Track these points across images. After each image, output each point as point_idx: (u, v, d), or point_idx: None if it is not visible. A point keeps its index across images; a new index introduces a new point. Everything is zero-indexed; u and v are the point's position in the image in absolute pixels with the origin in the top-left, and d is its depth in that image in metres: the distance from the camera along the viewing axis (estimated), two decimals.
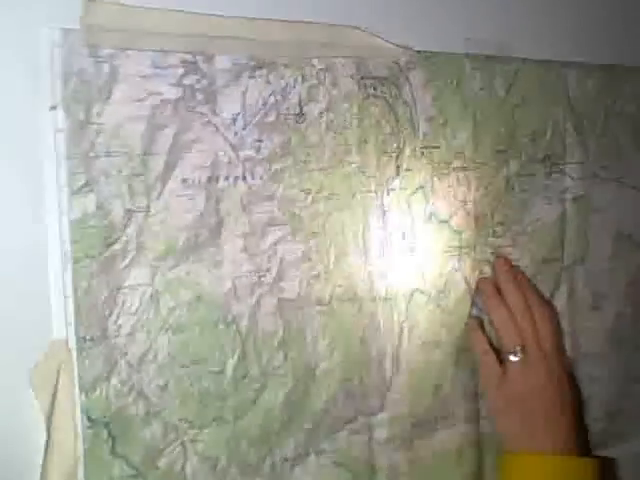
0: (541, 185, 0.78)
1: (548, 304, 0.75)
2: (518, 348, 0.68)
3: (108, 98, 0.54)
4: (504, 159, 0.75)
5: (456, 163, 0.71)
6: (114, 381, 0.55)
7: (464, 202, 0.72)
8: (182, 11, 0.56)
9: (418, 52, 0.68)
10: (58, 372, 0.53)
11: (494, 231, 0.74)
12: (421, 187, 0.70)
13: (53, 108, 0.52)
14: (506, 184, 0.75)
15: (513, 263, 0.74)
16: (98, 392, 0.54)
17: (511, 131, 0.75)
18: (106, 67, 0.53)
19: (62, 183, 0.53)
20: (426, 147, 0.69)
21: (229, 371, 0.60)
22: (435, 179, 0.70)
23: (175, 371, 0.58)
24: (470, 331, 0.72)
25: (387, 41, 0.66)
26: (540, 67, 0.77)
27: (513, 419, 0.69)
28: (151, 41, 0.55)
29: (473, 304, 0.73)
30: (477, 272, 0.73)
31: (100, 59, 0.53)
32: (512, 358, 0.68)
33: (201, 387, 0.59)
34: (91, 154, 0.53)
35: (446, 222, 0.71)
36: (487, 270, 0.74)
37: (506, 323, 0.70)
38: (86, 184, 0.53)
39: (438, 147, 0.70)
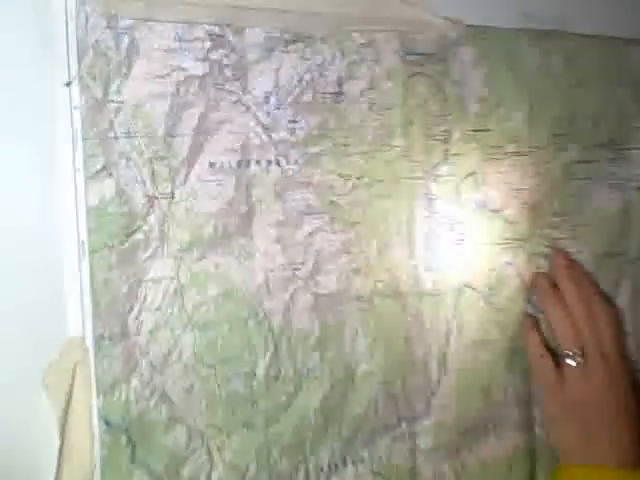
0: (603, 172, 0.71)
1: (610, 302, 0.68)
2: (577, 352, 0.62)
3: (128, 74, 0.49)
4: (562, 143, 0.68)
5: (510, 147, 0.66)
6: (134, 383, 0.51)
7: (518, 190, 0.66)
8: None
9: (469, 26, 0.62)
10: (74, 372, 0.49)
11: (551, 222, 0.68)
12: (471, 173, 0.64)
13: (68, 84, 0.47)
14: (564, 171, 0.69)
15: (572, 257, 0.68)
16: (117, 394, 0.50)
17: (570, 113, 0.69)
18: (126, 40, 0.49)
19: (78, 166, 0.48)
20: (477, 130, 0.64)
21: (260, 372, 0.55)
22: (486, 165, 0.64)
23: (201, 372, 0.53)
24: (524, 331, 0.66)
25: (435, 14, 0.60)
26: (602, 44, 0.70)
27: (570, 428, 0.63)
28: (175, 11, 0.50)
29: (527, 301, 0.67)
30: (532, 266, 0.67)
31: (119, 31, 0.49)
32: (570, 362, 0.62)
33: (229, 390, 0.54)
34: (110, 135, 0.49)
35: (498, 212, 0.66)
36: (543, 264, 0.68)
37: (564, 323, 0.64)
38: (104, 168, 0.49)
39: (490, 130, 0.64)
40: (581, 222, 0.70)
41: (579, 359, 0.62)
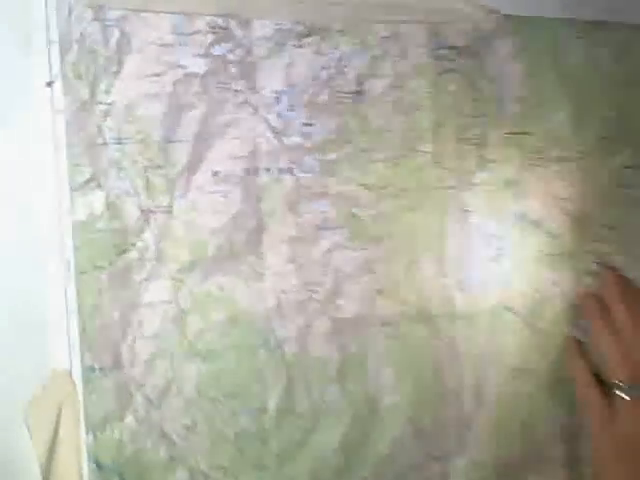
0: None
1: None
2: (629, 382, 0.55)
3: (118, 72, 0.44)
4: (611, 147, 0.61)
5: (552, 152, 0.59)
6: (129, 419, 0.46)
7: (562, 200, 0.59)
8: None
9: (506, 16, 0.56)
10: (59, 409, 0.45)
11: (599, 235, 0.61)
12: (510, 182, 0.57)
13: (49, 84, 0.42)
14: (614, 178, 0.61)
15: (623, 275, 0.61)
16: (109, 432, 0.45)
17: (620, 113, 0.61)
18: (115, 33, 0.44)
19: (62, 177, 0.43)
20: (516, 133, 0.57)
21: (271, 407, 0.50)
22: (526, 172, 0.58)
23: (204, 407, 0.48)
24: (569, 357, 0.59)
25: (468, 3, 0.54)
26: None
27: (621, 469, 0.56)
28: (172, 1, 0.44)
29: (573, 324, 0.59)
30: (578, 285, 0.60)
31: (108, 23, 0.43)
32: (621, 394, 0.55)
33: (237, 427, 0.49)
34: (98, 141, 0.44)
35: (540, 224, 0.59)
36: (591, 283, 0.61)
37: (614, 350, 0.56)
38: (92, 178, 0.43)
39: (530, 133, 0.57)
40: (633, 235, 0.63)
41: (633, 392, 0.55)
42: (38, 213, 0.43)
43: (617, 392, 0.55)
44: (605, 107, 0.60)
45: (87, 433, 0.44)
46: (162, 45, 0.44)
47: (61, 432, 0.44)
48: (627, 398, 0.54)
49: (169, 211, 0.46)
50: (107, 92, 0.43)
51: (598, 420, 0.57)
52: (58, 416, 0.44)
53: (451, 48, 0.54)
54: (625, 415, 0.55)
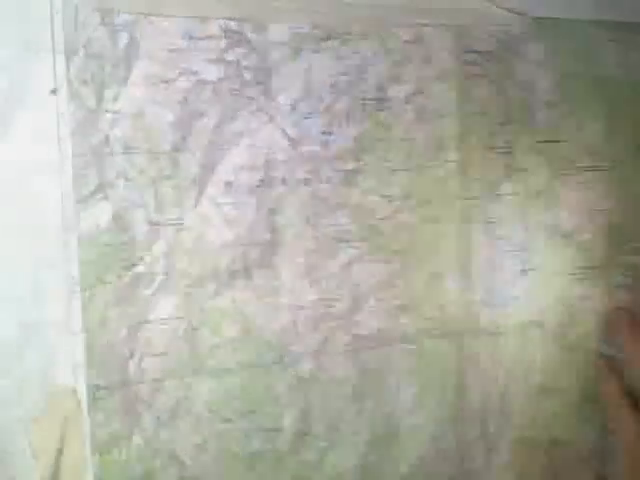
0: None
1: None
2: None
3: (126, 78, 0.42)
4: None
5: (585, 161, 0.56)
6: (137, 440, 0.44)
7: (595, 211, 0.56)
8: None
9: (536, 19, 0.53)
10: (64, 428, 0.42)
11: (635, 248, 0.58)
12: (539, 192, 0.54)
13: (54, 92, 0.40)
14: None
15: None
16: (116, 453, 0.43)
17: None
18: (123, 38, 0.42)
19: (66, 188, 0.41)
20: (546, 141, 0.54)
21: (286, 427, 0.47)
22: (557, 182, 0.55)
23: (216, 427, 0.46)
24: (600, 375, 0.56)
25: (496, 5, 0.51)
26: None
27: None
28: (182, 4, 0.42)
29: (605, 341, 0.57)
30: (611, 300, 0.57)
31: (115, 27, 0.41)
32: None
33: (250, 447, 0.47)
34: (105, 150, 0.42)
35: (572, 236, 0.56)
36: (624, 298, 0.58)
37: None
38: (98, 190, 0.42)
39: (561, 141, 0.55)
40: None
41: None
42: (42, 226, 0.41)
43: None
44: None
45: (93, 454, 0.43)
46: (173, 50, 0.42)
47: (65, 452, 0.43)
48: None
49: (179, 224, 0.44)
50: (115, 99, 0.41)
51: (630, 443, 0.54)
52: (62, 435, 0.42)
53: (477, 52, 0.51)
54: None
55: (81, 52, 0.40)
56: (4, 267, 0.41)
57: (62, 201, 0.41)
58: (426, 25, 0.49)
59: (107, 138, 0.41)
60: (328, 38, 0.47)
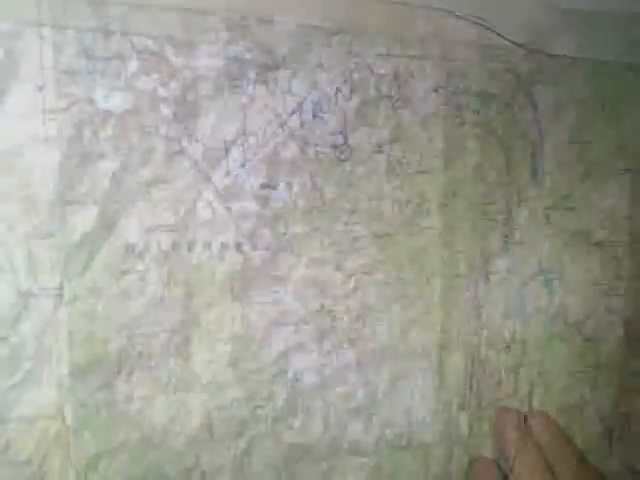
0: None
1: None
2: None
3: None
4: None
5: (601, 235, 0.46)
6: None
7: (609, 296, 0.47)
8: None
9: (551, 56, 0.42)
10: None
11: None
12: (542, 271, 0.44)
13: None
14: None
15: None
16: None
17: None
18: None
19: None
20: (554, 208, 0.43)
21: None
22: (566, 259, 0.45)
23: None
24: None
25: (501, 36, 0.41)
26: None
27: None
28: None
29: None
30: (623, 406, 0.46)
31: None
32: None
33: None
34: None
35: (578, 327, 0.46)
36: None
37: None
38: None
39: (574, 209, 0.44)
40: None
41: None
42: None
43: None
44: None
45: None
46: (67, 72, 0.32)
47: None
48: None
49: (59, 295, 0.33)
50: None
51: None
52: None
53: (475, 95, 0.41)
54: None
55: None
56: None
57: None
58: (409, 56, 0.39)
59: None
60: (268, 69, 0.36)
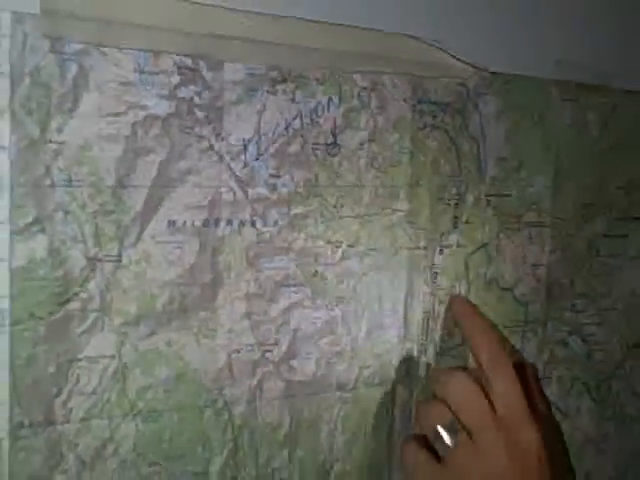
0: (635, 249, 0.62)
1: None
2: None
3: (73, 110, 0.40)
4: (590, 215, 0.59)
5: (529, 217, 0.56)
6: None
7: (535, 266, 0.57)
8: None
9: (493, 74, 0.53)
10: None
11: (573, 305, 0.58)
12: (484, 245, 0.55)
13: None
14: (590, 246, 0.59)
15: (599, 347, 0.58)
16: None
17: (601, 180, 0.59)
18: (73, 67, 0.40)
19: (2, 219, 0.39)
20: (494, 195, 0.54)
21: (214, 472, 0.47)
22: (502, 235, 0.55)
23: (142, 470, 0.44)
24: None
25: (454, 57, 0.51)
26: None
27: None
28: (137, 37, 0.41)
29: None
30: (546, 354, 0.58)
31: (65, 56, 0.40)
32: None
33: None
34: (45, 182, 0.40)
35: (510, 290, 0.56)
36: (560, 353, 0.58)
37: None
38: (35, 222, 0.40)
39: (509, 195, 0.55)
40: (608, 306, 0.60)
41: None
42: None
43: None
44: (587, 173, 0.58)
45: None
46: (123, 83, 0.41)
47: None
48: None
49: (118, 260, 0.42)
50: (59, 130, 0.40)
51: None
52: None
53: (434, 103, 0.51)
54: None
55: (27, 80, 0.39)
56: None
57: None
58: (384, 73, 0.49)
59: (48, 170, 0.40)
60: (284, 80, 0.46)
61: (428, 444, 0.46)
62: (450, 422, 0.45)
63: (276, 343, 0.48)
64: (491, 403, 0.44)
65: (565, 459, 0.46)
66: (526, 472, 0.43)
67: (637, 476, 0.64)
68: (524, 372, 0.46)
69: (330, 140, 0.48)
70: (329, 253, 0.49)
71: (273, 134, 0.46)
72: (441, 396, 0.46)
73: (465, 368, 0.48)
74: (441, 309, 0.53)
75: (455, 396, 0.45)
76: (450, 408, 0.45)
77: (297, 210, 0.47)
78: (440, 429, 0.45)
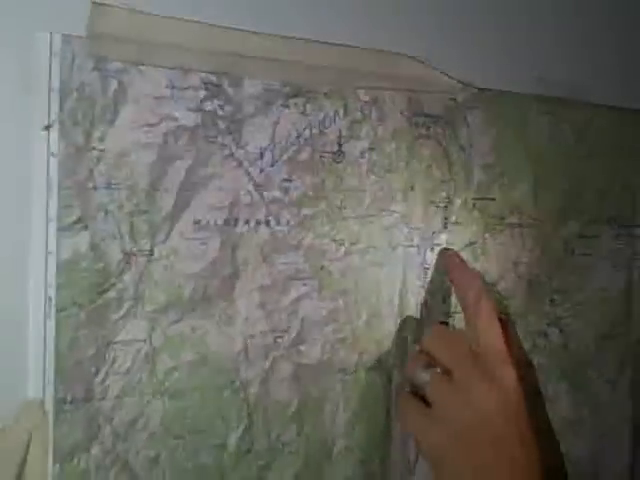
0: (606, 249, 0.68)
1: None
2: None
3: (113, 120, 0.46)
4: (565, 217, 0.65)
5: (511, 219, 0.62)
6: (95, 450, 0.47)
7: (517, 263, 0.63)
8: (209, 24, 0.47)
9: (480, 90, 0.59)
10: (29, 438, 0.45)
11: (551, 299, 0.65)
12: (471, 244, 0.60)
13: (47, 128, 0.44)
14: (566, 246, 0.65)
15: (575, 337, 0.64)
16: (75, 462, 0.47)
17: (576, 186, 0.65)
18: (113, 84, 0.45)
19: (51, 217, 0.44)
20: (480, 199, 0.60)
21: (231, 444, 0.52)
22: (487, 235, 0.61)
23: (168, 442, 0.49)
24: None
25: (446, 74, 0.57)
26: (613, 115, 0.67)
27: None
28: (169, 56, 0.47)
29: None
30: (528, 344, 0.64)
31: (107, 74, 0.45)
32: None
33: (197, 462, 0.50)
34: (88, 185, 0.45)
35: (493, 285, 0.62)
36: (540, 342, 0.64)
37: None
38: (79, 220, 0.45)
39: (493, 199, 0.61)
40: (582, 300, 0.67)
41: None
42: (27, 250, 0.44)
43: None
44: (563, 180, 0.64)
45: (54, 463, 0.46)
46: (157, 97, 0.46)
47: (30, 461, 0.45)
48: None
49: (150, 254, 0.47)
50: (101, 139, 0.45)
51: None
52: (27, 445, 0.45)
53: (427, 116, 0.57)
54: None
55: (74, 94, 0.44)
56: None
57: (46, 228, 0.44)
58: (383, 89, 0.55)
59: (91, 173, 0.45)
60: (296, 95, 0.51)
61: (420, 395, 0.52)
62: (426, 363, 0.51)
63: (286, 330, 0.53)
64: (470, 347, 0.50)
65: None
66: (507, 406, 0.48)
67: (610, 456, 0.70)
68: (504, 323, 0.52)
69: (336, 148, 0.53)
70: (334, 250, 0.54)
71: (286, 143, 0.51)
72: (424, 348, 0.53)
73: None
74: (432, 302, 0.59)
75: (434, 341, 0.52)
76: (430, 354, 0.52)
77: (306, 211, 0.53)
78: (418, 370, 0.51)
